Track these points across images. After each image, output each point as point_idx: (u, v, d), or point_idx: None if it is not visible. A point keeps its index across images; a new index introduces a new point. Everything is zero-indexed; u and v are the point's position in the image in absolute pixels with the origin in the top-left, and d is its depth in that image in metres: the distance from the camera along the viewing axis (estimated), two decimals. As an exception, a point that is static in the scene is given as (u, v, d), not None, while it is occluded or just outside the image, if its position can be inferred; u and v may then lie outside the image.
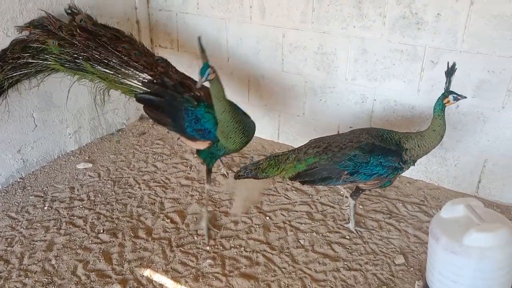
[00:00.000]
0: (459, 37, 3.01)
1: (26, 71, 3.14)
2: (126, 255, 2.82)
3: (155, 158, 3.91)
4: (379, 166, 2.63)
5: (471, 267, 1.97)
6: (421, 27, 3.12)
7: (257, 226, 3.08)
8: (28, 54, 3.09)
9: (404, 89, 3.34)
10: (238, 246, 2.90)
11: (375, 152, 2.61)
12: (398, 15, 3.15)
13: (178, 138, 4.18)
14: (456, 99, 2.48)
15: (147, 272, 2.69)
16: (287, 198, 3.38)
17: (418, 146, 2.60)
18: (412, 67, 3.25)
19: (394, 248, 2.88)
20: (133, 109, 4.48)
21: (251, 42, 3.88)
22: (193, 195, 3.40)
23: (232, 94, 4.14)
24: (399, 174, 2.74)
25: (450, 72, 2.49)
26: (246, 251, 2.86)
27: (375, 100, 3.50)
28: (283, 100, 3.95)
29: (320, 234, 3.01)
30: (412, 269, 2.71)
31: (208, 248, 2.89)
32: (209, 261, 2.78)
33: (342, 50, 3.49)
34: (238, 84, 4.12)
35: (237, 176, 2.85)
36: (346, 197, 3.18)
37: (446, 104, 2.51)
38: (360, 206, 3.25)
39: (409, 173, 3.48)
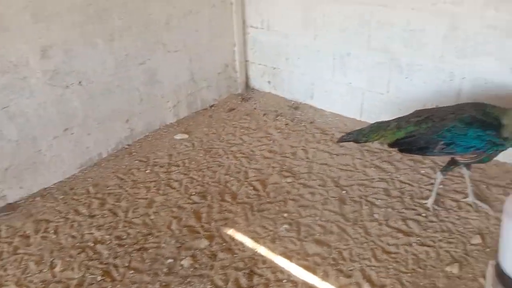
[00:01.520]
0: (562, 11, 2.80)
1: None
2: (213, 215, 3.15)
3: (242, 132, 4.21)
4: (477, 139, 2.59)
5: (544, 248, 1.93)
6: (518, 0, 2.94)
7: (333, 199, 3.23)
8: None
9: (496, 68, 3.19)
10: (313, 215, 3.09)
11: (474, 124, 2.59)
12: (493, -11, 3.00)
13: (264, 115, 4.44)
14: None
15: (230, 231, 3.00)
16: (365, 175, 3.46)
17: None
18: (506, 44, 3.09)
19: (472, 228, 2.84)
20: (224, 87, 4.82)
21: (339, 20, 3.94)
22: (274, 167, 3.64)
23: (318, 71, 4.29)
24: (500, 151, 2.68)
25: None
26: (321, 220, 3.03)
27: (463, 78, 3.38)
28: (368, 78, 3.97)
29: (396, 210, 3.06)
30: (488, 249, 2.66)
31: (285, 215, 3.11)
32: (285, 226, 3.00)
33: (431, 26, 3.41)
34: (324, 61, 4.22)
35: (341, 140, 3.21)
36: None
37: None
38: (441, 186, 3.21)
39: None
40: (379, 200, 3.17)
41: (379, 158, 3.63)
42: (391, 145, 2.92)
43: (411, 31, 3.51)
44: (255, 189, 3.40)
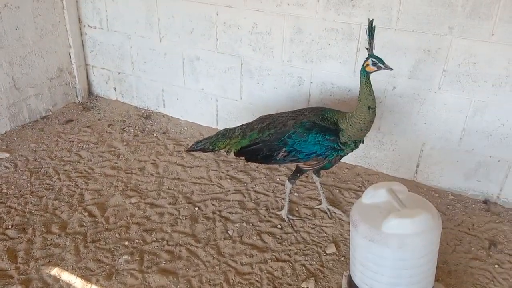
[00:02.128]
0: (394, 15, 2.87)
1: None
2: (34, 253, 2.54)
3: (80, 146, 3.60)
4: (317, 145, 2.48)
5: (390, 256, 1.82)
6: (355, 3, 2.95)
7: (184, 218, 2.86)
8: None
9: (340, 71, 3.18)
10: (160, 240, 2.68)
11: (313, 130, 2.47)
12: (332, -9, 2.98)
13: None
14: (375, 65, 2.30)
15: (54, 271, 2.42)
16: (220, 187, 3.18)
17: (350, 125, 2.44)
18: (347, 47, 3.09)
19: (327, 236, 2.73)
20: (60, 94, 4.14)
21: (184, 21, 3.62)
22: (117, 186, 3.14)
23: (168, 77, 3.91)
24: (341, 156, 2.59)
25: (370, 29, 2.28)
26: (169, 245, 2.64)
27: (311, 82, 3.33)
28: (220, 84, 3.72)
29: (251, 224, 2.82)
30: (343, 258, 2.56)
31: (126, 243, 2.64)
32: (125, 257, 2.54)
33: (277, 29, 3.29)
34: (173, 66, 3.85)
35: (190, 149, 2.93)
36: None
37: (366, 69, 2.33)
38: (295, 194, 3.09)
39: (348, 158, 3.34)
40: (234, 215, 2.90)
41: (235, 168, 3.38)
42: (237, 153, 2.69)
43: (258, 34, 3.35)
44: (91, 214, 2.87)
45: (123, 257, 2.54)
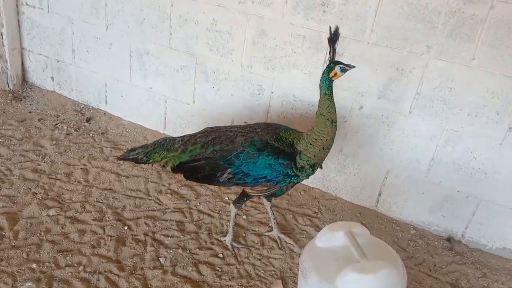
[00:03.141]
0: (368, 26, 2.57)
1: None
2: None
3: (0, 142, 3.09)
4: (268, 169, 2.13)
5: (344, 318, 1.49)
6: (327, 9, 2.64)
7: (109, 238, 2.43)
8: None
9: (304, 83, 2.86)
10: (76, 265, 2.24)
11: (265, 151, 2.12)
12: (302, -7, 2.65)
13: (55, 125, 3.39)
14: (343, 70, 2.06)
15: None
16: (158, 203, 2.77)
17: (311, 144, 2.12)
18: (314, 57, 2.77)
19: (274, 270, 2.38)
20: (-14, 79, 3.60)
21: (135, 9, 3.18)
22: (36, 194, 2.67)
23: (113, 70, 3.46)
24: (294, 183, 2.26)
25: (333, 37, 2.06)
26: (86, 272, 2.21)
27: (272, 92, 2.98)
28: (171, 83, 3.31)
29: (187, 251, 2.43)
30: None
31: (34, 265, 2.19)
32: (29, 284, 2.09)
33: (239, 29, 2.92)
34: (119, 58, 3.40)
35: (122, 157, 2.54)
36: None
37: (333, 78, 2.07)
38: (244, 216, 2.73)
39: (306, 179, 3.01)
40: (169, 238, 2.50)
41: (179, 182, 2.98)
42: (174, 169, 2.31)
43: (217, 32, 2.98)
44: (-4, 227, 2.39)
45: (27, 283, 2.09)
